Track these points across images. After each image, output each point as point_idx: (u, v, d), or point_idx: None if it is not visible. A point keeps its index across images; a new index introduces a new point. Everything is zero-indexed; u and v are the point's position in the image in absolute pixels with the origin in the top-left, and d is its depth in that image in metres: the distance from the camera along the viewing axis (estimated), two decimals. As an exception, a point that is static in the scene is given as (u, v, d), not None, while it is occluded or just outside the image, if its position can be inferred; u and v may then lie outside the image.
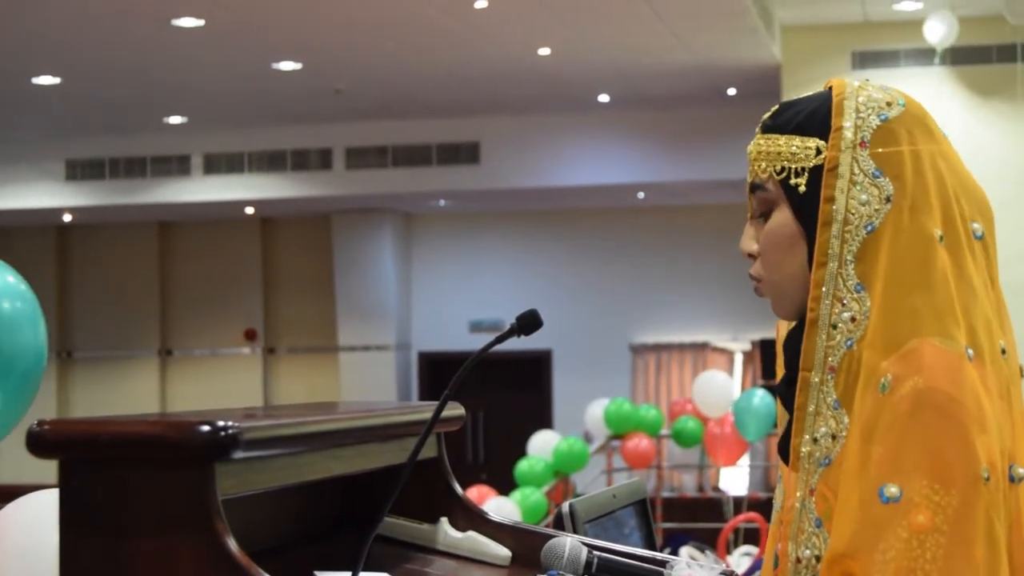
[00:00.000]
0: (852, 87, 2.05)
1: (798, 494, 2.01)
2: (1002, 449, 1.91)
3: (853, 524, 1.87)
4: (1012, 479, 1.92)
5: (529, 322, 2.17)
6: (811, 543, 1.98)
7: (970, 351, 1.93)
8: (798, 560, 1.99)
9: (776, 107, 2.13)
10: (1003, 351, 2.00)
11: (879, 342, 1.94)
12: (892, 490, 1.84)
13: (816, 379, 1.99)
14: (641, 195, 17.26)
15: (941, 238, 1.97)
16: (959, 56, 12.10)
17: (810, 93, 2.12)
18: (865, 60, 12.26)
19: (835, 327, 1.98)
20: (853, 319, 1.97)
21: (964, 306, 1.96)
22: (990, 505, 1.85)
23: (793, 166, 2.04)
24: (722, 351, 18.41)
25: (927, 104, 2.11)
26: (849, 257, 1.98)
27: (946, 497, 1.83)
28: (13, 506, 2.67)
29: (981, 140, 11.49)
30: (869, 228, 1.98)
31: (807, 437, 2.00)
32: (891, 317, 1.94)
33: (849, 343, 1.97)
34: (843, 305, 1.98)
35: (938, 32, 11.57)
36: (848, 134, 2.01)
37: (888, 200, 1.98)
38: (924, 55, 12.09)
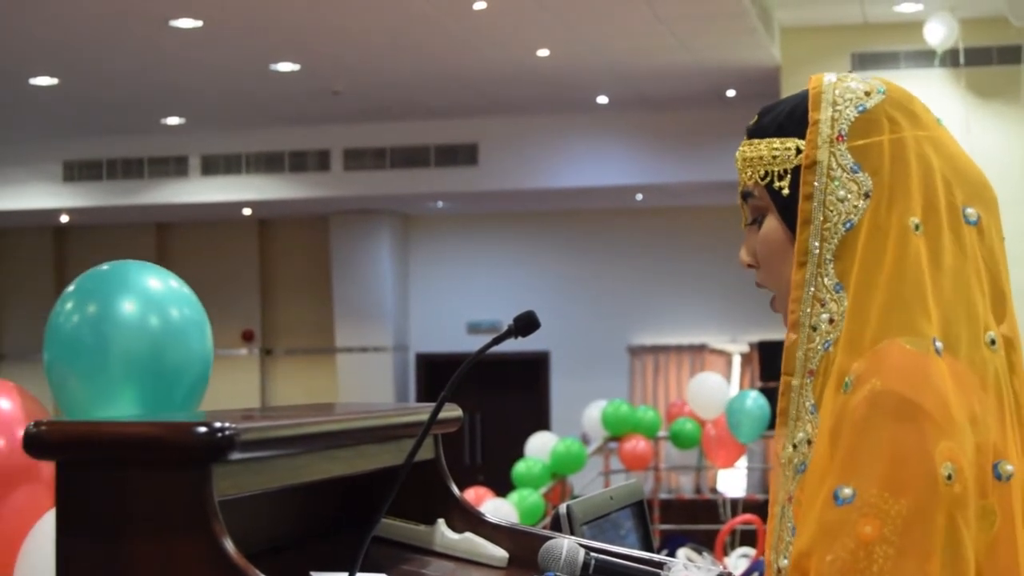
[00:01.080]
0: (830, 80, 2.01)
1: (779, 502, 1.97)
2: (981, 445, 1.84)
3: (812, 526, 1.82)
4: (999, 476, 1.85)
5: (527, 323, 2.16)
6: (789, 552, 1.91)
7: (939, 344, 1.86)
8: (778, 570, 1.94)
9: (759, 111, 2.10)
10: (993, 341, 1.92)
11: (848, 341, 1.89)
12: (846, 492, 1.79)
13: (796, 383, 1.95)
14: (640, 197, 17.26)
15: (918, 227, 1.91)
16: (959, 58, 12.10)
17: (792, 94, 2.07)
18: (865, 62, 12.27)
19: (815, 329, 1.93)
20: (831, 320, 1.92)
21: (939, 296, 1.89)
22: (953, 506, 1.77)
23: (775, 169, 2.00)
24: (720, 353, 18.42)
25: (928, 106, 2.06)
26: (828, 256, 1.93)
27: (895, 506, 1.76)
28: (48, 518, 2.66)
29: (982, 142, 11.46)
30: (848, 225, 1.93)
31: (787, 443, 1.95)
32: (861, 315, 1.89)
33: (827, 345, 1.92)
34: (822, 306, 1.93)
35: (938, 34, 11.57)
36: (825, 128, 1.97)
37: (867, 196, 1.93)
38: (924, 57, 12.09)
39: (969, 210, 1.97)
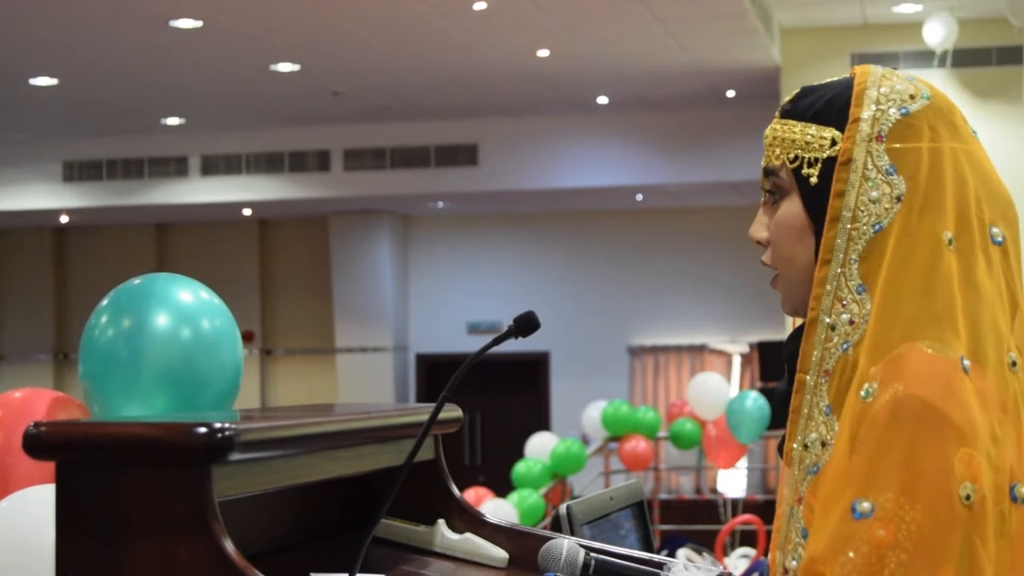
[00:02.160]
0: (875, 75, 1.98)
1: (788, 502, 1.95)
2: (999, 466, 1.81)
3: (828, 535, 1.80)
4: (1015, 499, 1.82)
5: (526, 324, 2.16)
6: (797, 554, 1.90)
7: (966, 362, 1.84)
8: (785, 571, 1.92)
9: (797, 91, 2.06)
10: (1013, 363, 1.90)
11: (873, 347, 1.86)
12: (864, 505, 1.77)
13: (811, 382, 1.92)
14: (639, 197, 17.27)
15: (951, 241, 1.89)
16: (959, 58, 12.11)
17: (834, 79, 2.04)
18: (865, 62, 12.07)
19: (833, 328, 1.91)
20: (851, 322, 1.89)
21: (968, 313, 1.87)
22: (970, 528, 1.76)
23: (807, 156, 1.97)
24: (720, 353, 18.43)
25: (966, 117, 2.04)
26: (854, 256, 1.91)
27: (911, 512, 1.74)
28: (6, 502, 2.67)
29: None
30: (877, 227, 1.90)
31: (798, 442, 1.93)
32: (887, 321, 1.87)
33: (845, 346, 1.89)
34: (843, 306, 1.90)
35: (938, 34, 11.58)
36: (865, 127, 1.93)
37: (899, 200, 1.90)
38: (924, 57, 12.10)
39: (995, 229, 1.95)
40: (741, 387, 17.54)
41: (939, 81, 12.04)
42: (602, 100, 14.87)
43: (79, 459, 1.96)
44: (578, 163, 15.73)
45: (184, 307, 2.64)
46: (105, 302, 2.67)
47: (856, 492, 1.79)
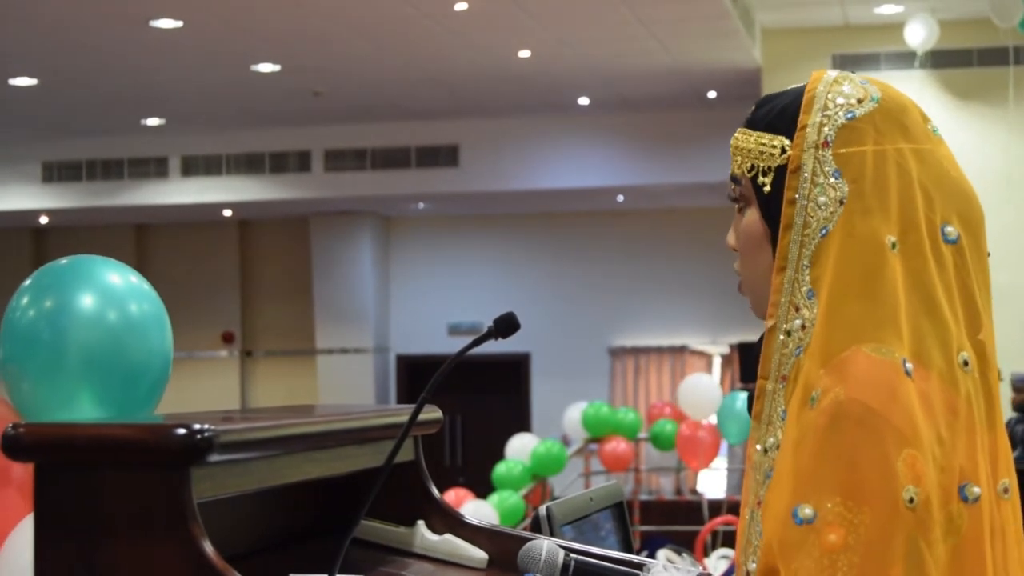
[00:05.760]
0: (827, 82, 1.99)
1: (749, 505, 1.96)
2: (946, 467, 1.82)
3: (775, 542, 1.81)
4: (965, 499, 1.84)
5: (506, 325, 2.16)
6: (757, 556, 1.91)
7: (908, 364, 1.84)
8: (747, 573, 1.93)
9: (759, 100, 2.08)
10: (965, 363, 1.91)
11: (818, 351, 1.87)
12: (806, 511, 1.78)
13: (770, 388, 1.94)
14: (620, 198, 17.27)
15: (894, 245, 1.89)
16: (940, 59, 12.15)
17: (793, 86, 2.05)
18: (846, 63, 12.31)
19: (788, 334, 1.92)
20: (803, 327, 1.90)
21: (913, 316, 1.88)
22: (915, 530, 1.77)
23: (761, 164, 1.99)
24: (700, 354, 18.45)
25: (927, 116, 2.04)
26: (805, 262, 1.92)
27: (859, 515, 1.75)
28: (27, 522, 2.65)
29: (962, 143, 11.44)
30: (823, 232, 1.91)
31: (758, 447, 1.95)
32: (832, 325, 1.87)
33: (798, 352, 1.90)
34: (796, 312, 1.91)
35: (919, 35, 11.61)
36: (811, 133, 1.95)
37: (841, 203, 1.91)
38: (905, 58, 12.13)
39: (948, 228, 1.95)
40: (721, 388, 17.55)
41: (920, 82, 12.08)
42: (583, 101, 14.87)
43: (58, 460, 1.95)
44: (559, 164, 15.73)
45: (112, 289, 2.52)
46: (28, 282, 2.55)
47: (797, 498, 1.80)
